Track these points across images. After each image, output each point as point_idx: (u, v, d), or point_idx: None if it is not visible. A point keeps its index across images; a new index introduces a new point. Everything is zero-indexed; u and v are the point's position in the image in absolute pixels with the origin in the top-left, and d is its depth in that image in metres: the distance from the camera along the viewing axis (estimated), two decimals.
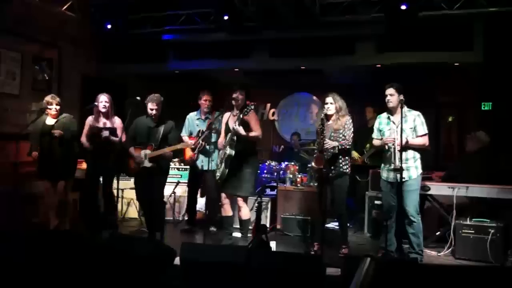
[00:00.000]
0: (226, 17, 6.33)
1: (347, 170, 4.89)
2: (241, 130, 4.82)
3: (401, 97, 4.57)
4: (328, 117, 4.87)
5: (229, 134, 4.95)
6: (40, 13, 6.60)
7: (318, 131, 4.90)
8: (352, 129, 4.85)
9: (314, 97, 9.00)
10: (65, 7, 6.77)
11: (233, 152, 4.89)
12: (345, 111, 4.88)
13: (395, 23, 5.81)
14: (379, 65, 7.01)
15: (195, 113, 6.10)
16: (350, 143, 4.86)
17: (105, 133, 5.23)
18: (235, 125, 4.83)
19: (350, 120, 4.87)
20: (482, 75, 6.67)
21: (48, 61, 7.12)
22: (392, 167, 4.56)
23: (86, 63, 7.75)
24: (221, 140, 5.19)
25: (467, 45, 6.20)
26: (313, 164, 4.87)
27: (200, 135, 5.81)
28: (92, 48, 7.83)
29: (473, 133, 5.80)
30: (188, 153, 5.98)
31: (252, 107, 4.88)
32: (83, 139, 5.41)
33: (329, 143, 4.71)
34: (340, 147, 4.76)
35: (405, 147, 4.47)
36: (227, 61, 7.53)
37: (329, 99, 4.85)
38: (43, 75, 7.03)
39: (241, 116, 4.84)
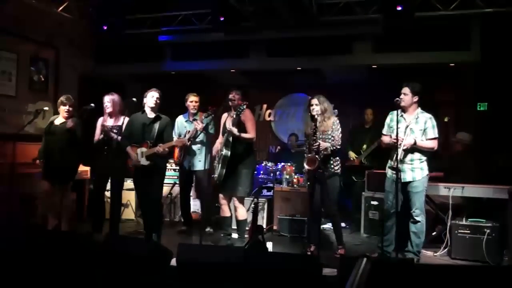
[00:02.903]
0: (221, 19, 6.32)
1: (338, 171, 4.89)
2: (234, 131, 4.86)
3: (415, 98, 4.57)
4: (314, 119, 4.86)
5: (225, 134, 4.97)
6: (36, 13, 6.57)
7: (309, 133, 4.89)
8: (340, 130, 4.86)
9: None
10: (61, 7, 6.74)
11: (228, 153, 4.90)
12: (331, 113, 4.88)
13: (392, 23, 5.83)
14: (375, 66, 7.02)
15: (183, 115, 6.12)
16: (339, 144, 4.86)
17: (112, 134, 5.21)
18: (230, 126, 4.86)
19: (338, 121, 4.89)
20: (479, 75, 6.68)
21: (45, 62, 7.09)
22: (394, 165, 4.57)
23: (83, 63, 7.74)
24: (219, 141, 5.19)
25: (464, 45, 6.21)
26: (305, 165, 4.83)
27: (185, 135, 5.86)
28: (89, 48, 7.82)
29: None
30: (176, 153, 6.01)
31: (244, 106, 4.90)
32: (96, 138, 5.38)
33: (322, 145, 4.71)
34: (331, 148, 4.78)
35: (412, 148, 4.49)
36: (224, 62, 7.51)
37: (314, 101, 4.84)
38: (39, 76, 7.01)
39: (234, 116, 4.87)
